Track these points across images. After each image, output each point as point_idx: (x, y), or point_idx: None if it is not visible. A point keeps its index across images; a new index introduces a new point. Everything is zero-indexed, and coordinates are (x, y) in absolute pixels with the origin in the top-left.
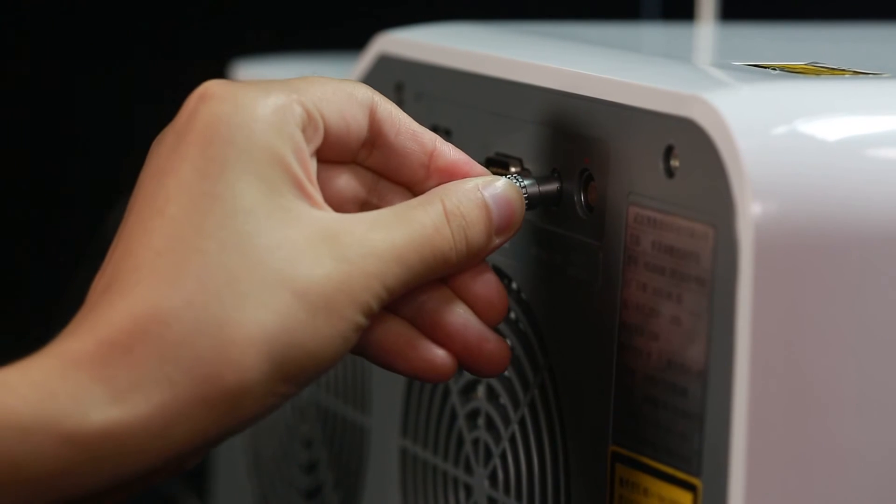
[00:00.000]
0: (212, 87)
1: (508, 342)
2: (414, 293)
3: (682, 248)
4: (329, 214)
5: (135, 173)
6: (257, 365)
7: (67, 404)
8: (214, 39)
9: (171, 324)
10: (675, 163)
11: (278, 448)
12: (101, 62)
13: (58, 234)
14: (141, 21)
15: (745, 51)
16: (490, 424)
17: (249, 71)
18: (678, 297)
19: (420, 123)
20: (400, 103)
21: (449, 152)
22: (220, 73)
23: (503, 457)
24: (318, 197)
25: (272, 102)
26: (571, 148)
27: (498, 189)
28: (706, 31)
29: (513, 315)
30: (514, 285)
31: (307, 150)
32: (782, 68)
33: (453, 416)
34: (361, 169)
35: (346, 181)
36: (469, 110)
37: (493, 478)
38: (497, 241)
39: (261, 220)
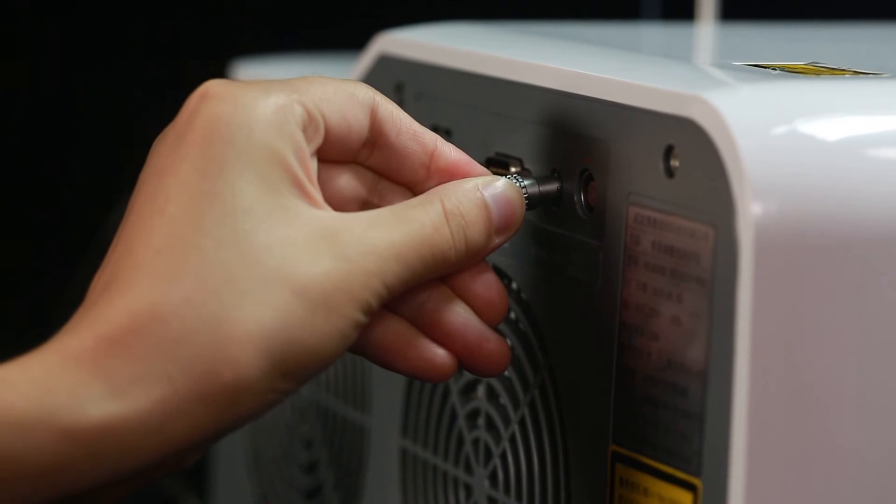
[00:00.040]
0: (212, 86)
1: (508, 342)
2: (414, 292)
3: (683, 248)
4: (328, 213)
5: (135, 173)
6: (256, 362)
7: (66, 400)
8: (214, 39)
9: (169, 321)
10: (675, 163)
11: (278, 448)
12: (101, 62)
13: (58, 234)
14: (141, 21)
15: (745, 51)
16: (490, 424)
17: (249, 71)
18: (678, 297)
19: (420, 123)
20: (400, 103)
21: (450, 153)
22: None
23: (503, 457)
24: (318, 196)
25: (273, 102)
26: (571, 148)
27: (498, 189)
28: (706, 31)
29: (513, 315)
30: (514, 285)
31: (307, 150)
32: (782, 68)
33: (453, 416)
34: (362, 169)
35: (346, 181)
36: (469, 110)
37: (493, 478)
38: (497, 240)
39: (260, 218)
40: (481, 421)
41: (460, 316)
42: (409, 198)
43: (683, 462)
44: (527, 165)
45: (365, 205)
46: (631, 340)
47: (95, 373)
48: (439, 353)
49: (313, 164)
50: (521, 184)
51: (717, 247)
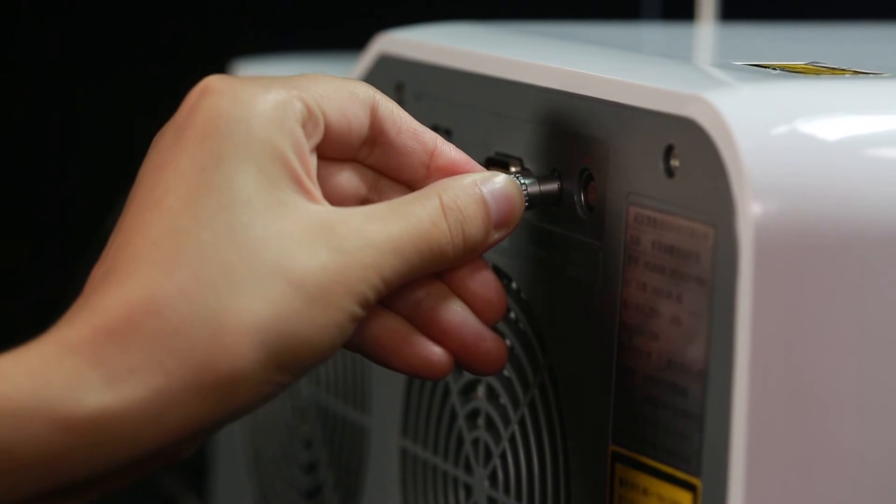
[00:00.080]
0: (213, 81)
1: (508, 342)
2: (411, 289)
3: (682, 247)
4: (326, 208)
5: (134, 173)
6: (251, 353)
7: (62, 390)
8: (214, 39)
9: (165, 312)
10: (675, 162)
11: (278, 448)
12: (100, 62)
13: (58, 234)
14: (141, 21)
15: (746, 51)
16: (490, 424)
17: (249, 71)
18: (678, 296)
19: (420, 123)
20: (400, 103)
21: (450, 151)
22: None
23: (503, 457)
24: (317, 192)
25: (272, 98)
26: (571, 148)
27: (496, 185)
28: (706, 31)
29: (513, 315)
30: (514, 285)
31: (307, 146)
32: (782, 68)
33: (453, 416)
34: (362, 167)
35: (346, 179)
36: (469, 110)
37: (492, 478)
38: (495, 236)
39: (257, 211)
40: (481, 421)
41: (457, 314)
42: None
43: (683, 462)
44: (527, 165)
45: (364, 203)
46: (631, 340)
47: (92, 363)
48: (436, 351)
49: (313, 161)
50: (522, 182)
51: (717, 247)
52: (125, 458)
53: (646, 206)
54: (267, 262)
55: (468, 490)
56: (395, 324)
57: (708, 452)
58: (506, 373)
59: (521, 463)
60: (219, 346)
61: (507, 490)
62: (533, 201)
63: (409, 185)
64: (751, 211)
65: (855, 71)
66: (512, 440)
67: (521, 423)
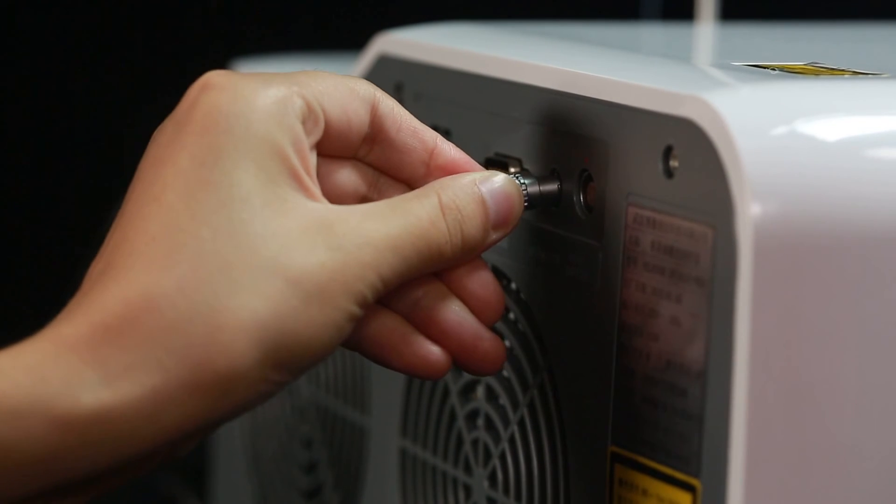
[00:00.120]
0: (213, 77)
1: (507, 342)
2: (410, 289)
3: (682, 248)
4: (324, 205)
5: (133, 173)
6: (248, 351)
7: (59, 387)
8: (214, 39)
9: (162, 308)
10: (674, 163)
11: (278, 448)
12: (101, 62)
13: (58, 234)
14: (141, 21)
15: (745, 51)
16: (489, 425)
17: (249, 70)
18: (677, 297)
19: (420, 122)
20: (399, 103)
21: (449, 150)
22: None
23: (502, 457)
24: (316, 189)
25: (272, 94)
26: (570, 148)
27: (495, 184)
28: (706, 31)
29: (512, 315)
30: (513, 285)
31: (307, 143)
32: (782, 68)
33: (453, 417)
34: (362, 164)
35: (346, 176)
36: (468, 110)
37: (492, 478)
38: (493, 236)
39: (256, 208)
40: (480, 421)
41: (456, 314)
42: None
43: (682, 463)
44: (526, 166)
45: (364, 200)
46: (630, 341)
47: (89, 360)
48: (434, 351)
49: (312, 158)
50: (522, 182)
51: (716, 247)
52: (123, 456)
53: (645, 206)
54: (265, 260)
55: (467, 490)
56: (393, 323)
57: (707, 453)
58: (505, 373)
59: (521, 463)
60: (216, 344)
61: (506, 490)
62: (532, 201)
63: (409, 183)
64: (750, 211)
65: (854, 71)
66: (511, 441)
67: (521, 423)
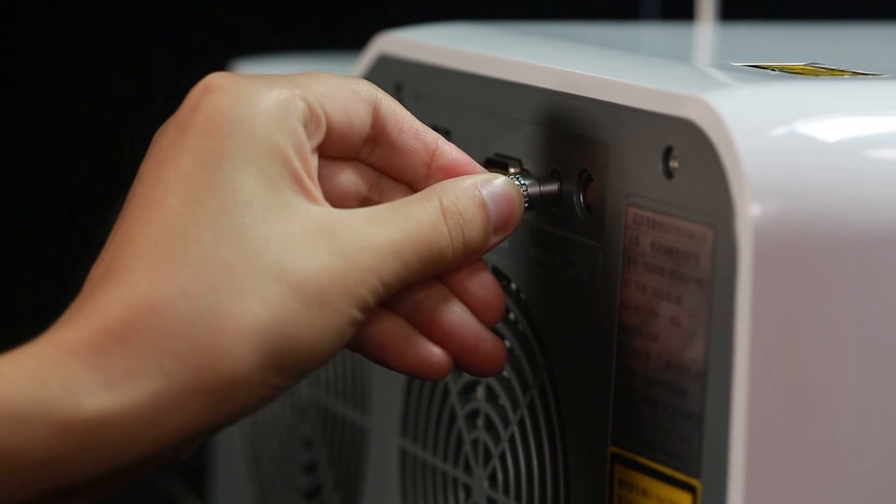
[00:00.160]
0: (215, 79)
1: (507, 343)
2: (411, 290)
3: (682, 249)
4: (327, 209)
5: (134, 173)
6: (251, 356)
7: (61, 392)
8: (214, 39)
9: (165, 313)
10: (674, 164)
11: (278, 448)
12: (101, 62)
13: (58, 234)
14: (141, 21)
15: (745, 51)
16: (489, 425)
17: (249, 71)
18: (677, 298)
19: (422, 123)
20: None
21: (451, 152)
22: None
23: (502, 457)
24: (318, 193)
25: (275, 96)
26: (570, 148)
27: (496, 187)
28: (706, 31)
29: (512, 316)
30: (513, 286)
31: (308, 146)
32: (782, 69)
33: (453, 417)
34: (363, 166)
35: (347, 177)
36: (468, 111)
37: (492, 478)
38: (494, 239)
39: (258, 212)
40: (481, 422)
41: (457, 315)
42: (410, 196)
43: (682, 463)
44: (526, 166)
45: (365, 202)
46: (630, 341)
47: (91, 365)
48: (435, 352)
49: (314, 161)
50: (522, 183)
51: (716, 248)
52: (124, 460)
53: (645, 207)
54: (268, 264)
55: (468, 490)
56: (394, 324)
57: (707, 453)
58: (505, 374)
59: (521, 464)
60: (219, 349)
61: (506, 491)
62: (533, 202)
63: (410, 184)
64: (750, 212)
65: (854, 72)
66: (511, 441)
67: (521, 423)
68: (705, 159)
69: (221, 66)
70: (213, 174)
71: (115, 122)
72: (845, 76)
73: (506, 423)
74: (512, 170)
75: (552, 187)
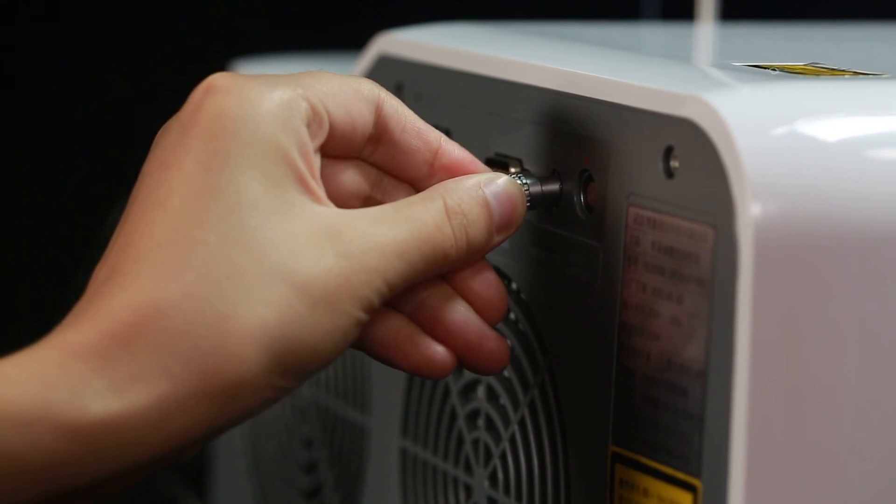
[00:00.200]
0: (218, 79)
1: (508, 342)
2: (415, 289)
3: (682, 248)
4: (331, 210)
5: (134, 174)
6: (256, 358)
7: (67, 396)
8: (214, 39)
9: (171, 316)
10: (674, 163)
11: (278, 448)
12: (100, 62)
13: (58, 234)
14: (141, 21)
15: (745, 51)
16: (490, 425)
17: (249, 71)
18: (678, 297)
19: (424, 122)
20: None
21: (453, 151)
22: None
23: (503, 457)
24: (321, 193)
25: (278, 97)
26: (571, 148)
27: (499, 187)
28: (706, 31)
29: (512, 315)
30: (513, 286)
31: (311, 146)
32: (782, 69)
33: (453, 417)
34: (365, 165)
35: (350, 177)
36: (468, 110)
37: (493, 478)
38: (497, 238)
39: (263, 214)
40: (481, 421)
41: (461, 314)
42: (412, 195)
43: (683, 463)
44: (526, 166)
45: (367, 201)
46: (631, 341)
47: (96, 368)
48: (439, 351)
49: (317, 161)
50: (524, 182)
51: (716, 247)
52: (129, 463)
53: (646, 206)
54: (273, 266)
55: (468, 490)
56: (398, 323)
57: (708, 453)
58: (506, 373)
59: (522, 463)
60: (225, 351)
61: (507, 490)
62: (534, 201)
63: (413, 183)
64: (750, 212)
65: (855, 72)
66: (512, 441)
67: (522, 423)
68: (706, 159)
69: (221, 66)
70: (218, 176)
71: (115, 122)
72: (846, 76)
73: (506, 422)
74: (513, 169)
75: (553, 187)
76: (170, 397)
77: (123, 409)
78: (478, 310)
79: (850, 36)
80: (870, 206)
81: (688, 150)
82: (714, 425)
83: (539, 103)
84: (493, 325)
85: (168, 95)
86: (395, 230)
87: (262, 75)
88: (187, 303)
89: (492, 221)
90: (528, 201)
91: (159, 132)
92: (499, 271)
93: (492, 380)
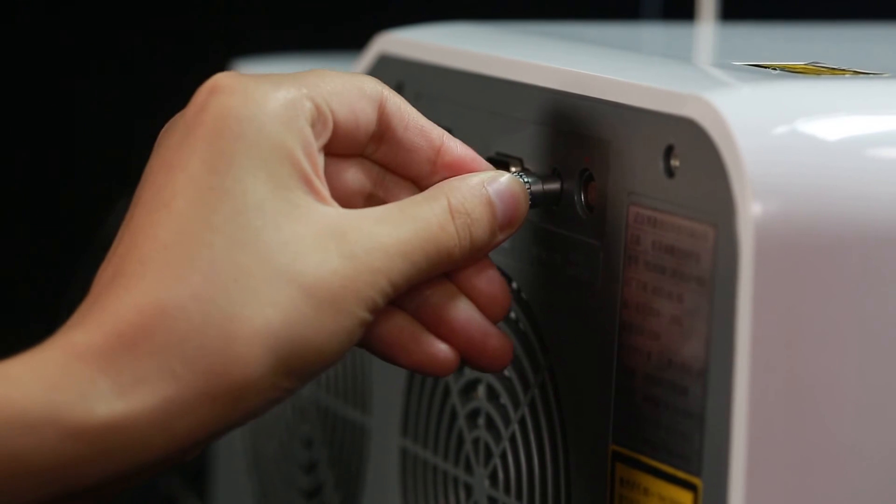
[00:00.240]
0: (222, 79)
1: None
2: (418, 288)
3: (683, 247)
4: (336, 210)
5: (135, 174)
6: (262, 359)
7: (73, 398)
8: (214, 39)
9: (176, 317)
10: (675, 162)
11: (278, 448)
12: (101, 62)
13: (58, 234)
14: (141, 21)
15: (746, 51)
16: (490, 424)
17: (249, 71)
18: (678, 296)
19: (427, 119)
20: None
21: (456, 148)
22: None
23: (503, 456)
24: (326, 192)
25: (282, 97)
26: (571, 147)
27: (502, 185)
28: (706, 31)
29: (513, 315)
30: (514, 285)
31: (316, 146)
32: (783, 68)
33: (453, 416)
34: (368, 162)
35: (353, 175)
36: (469, 110)
37: (493, 477)
38: (500, 236)
39: (269, 215)
40: (481, 421)
41: (464, 312)
42: (415, 192)
43: (684, 462)
44: (527, 165)
45: (370, 198)
46: (631, 340)
47: (102, 370)
48: (442, 349)
49: (321, 160)
50: (526, 181)
51: (717, 246)
52: (134, 464)
53: (646, 205)
54: (279, 267)
55: (468, 490)
56: (402, 321)
57: (709, 452)
58: (506, 372)
59: (522, 463)
60: (231, 353)
61: (507, 490)
62: (535, 200)
63: (416, 181)
64: (751, 211)
65: (855, 71)
66: (512, 440)
67: (522, 422)
68: (706, 158)
69: (221, 66)
70: (223, 177)
71: (115, 122)
72: (846, 75)
73: (507, 422)
74: (513, 168)
75: (554, 186)
76: (175, 399)
77: (129, 410)
78: (481, 307)
79: (850, 36)
80: (870, 205)
81: (688, 150)
82: (714, 424)
83: (540, 103)
84: (496, 323)
85: (168, 95)
86: (399, 230)
87: (266, 74)
88: (193, 304)
89: (495, 220)
90: (529, 199)
91: (162, 132)
92: (499, 270)
93: (492, 379)
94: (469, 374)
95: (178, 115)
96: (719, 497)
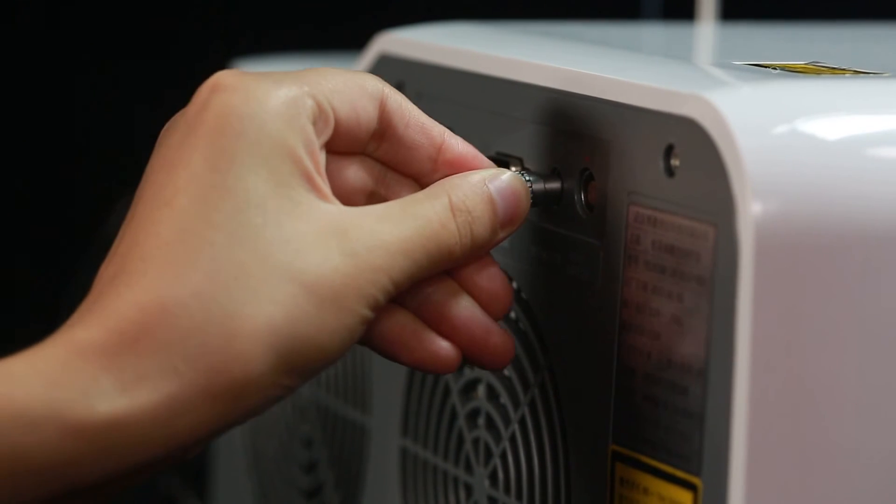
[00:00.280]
0: (224, 77)
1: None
2: (419, 285)
3: (683, 247)
4: (338, 208)
5: (134, 173)
6: (263, 357)
7: (74, 395)
8: (214, 39)
9: (177, 314)
10: (675, 162)
11: (278, 448)
12: (100, 62)
13: (58, 234)
14: (141, 21)
15: (746, 50)
16: (490, 424)
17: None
18: (678, 296)
19: (429, 117)
20: None
21: (457, 145)
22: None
23: (503, 456)
24: (327, 190)
25: (284, 94)
26: (572, 147)
27: (504, 182)
28: (706, 30)
29: (513, 314)
30: (514, 284)
31: (317, 143)
32: (783, 68)
33: (453, 416)
34: (370, 160)
35: (354, 172)
36: (469, 110)
37: (493, 477)
38: (501, 234)
39: (270, 213)
40: (481, 420)
41: (466, 309)
42: (416, 190)
43: (684, 461)
44: (527, 165)
45: (371, 196)
46: (631, 340)
47: (104, 367)
48: (444, 346)
49: (322, 157)
50: (527, 179)
51: (717, 246)
52: (134, 462)
53: (646, 205)
54: (280, 265)
55: (468, 489)
56: (403, 319)
57: (708, 452)
58: (506, 372)
59: (522, 462)
60: (232, 351)
61: (507, 489)
62: (536, 199)
63: (417, 178)
64: (751, 210)
65: (855, 71)
66: (512, 440)
67: (522, 422)
68: (707, 157)
69: (221, 65)
70: (224, 175)
71: (115, 122)
72: (847, 75)
73: (507, 421)
74: (513, 168)
75: (555, 185)
76: (177, 396)
77: (130, 407)
78: (482, 305)
79: (850, 36)
80: (870, 204)
81: (688, 149)
82: (714, 424)
83: (540, 102)
84: (497, 320)
85: (168, 95)
86: (400, 228)
87: (267, 72)
88: (195, 302)
89: (496, 218)
90: (530, 198)
91: (164, 130)
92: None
93: (492, 379)
94: (469, 373)
95: (179, 114)
96: (719, 497)
